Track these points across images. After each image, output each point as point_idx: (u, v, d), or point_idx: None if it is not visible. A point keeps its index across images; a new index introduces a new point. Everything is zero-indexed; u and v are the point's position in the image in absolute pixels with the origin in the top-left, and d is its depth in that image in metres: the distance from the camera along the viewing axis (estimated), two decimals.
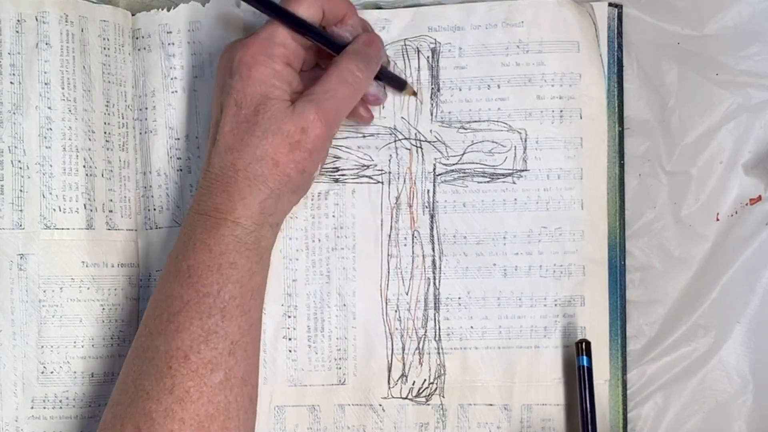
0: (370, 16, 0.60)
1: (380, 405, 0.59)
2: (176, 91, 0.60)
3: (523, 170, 0.60)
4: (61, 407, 0.57)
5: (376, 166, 0.60)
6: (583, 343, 0.56)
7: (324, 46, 0.54)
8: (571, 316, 0.59)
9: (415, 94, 0.60)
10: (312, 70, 0.57)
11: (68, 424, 0.57)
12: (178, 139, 0.60)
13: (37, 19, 0.57)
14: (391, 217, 0.60)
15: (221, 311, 0.50)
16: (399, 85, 0.59)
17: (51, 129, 0.57)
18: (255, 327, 0.52)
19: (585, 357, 0.56)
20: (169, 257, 0.52)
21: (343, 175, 0.60)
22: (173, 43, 0.60)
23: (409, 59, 0.60)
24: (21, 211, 0.57)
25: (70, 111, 0.58)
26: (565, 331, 0.59)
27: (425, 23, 0.60)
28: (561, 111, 0.60)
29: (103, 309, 0.58)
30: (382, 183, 0.60)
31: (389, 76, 0.58)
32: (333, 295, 0.59)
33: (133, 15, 0.61)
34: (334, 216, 0.60)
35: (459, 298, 0.59)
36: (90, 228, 0.58)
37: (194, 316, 0.49)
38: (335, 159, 0.60)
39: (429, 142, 0.60)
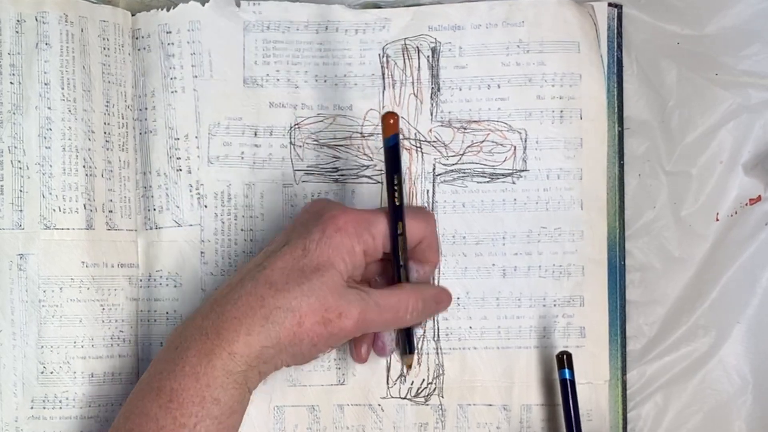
0: (370, 16, 0.60)
1: (379, 405, 0.59)
2: (176, 91, 0.60)
3: (522, 170, 0.60)
4: (60, 407, 0.57)
5: (375, 166, 0.60)
6: (564, 356, 0.56)
7: (395, 266, 0.53)
8: (571, 317, 0.59)
9: (410, 367, 0.59)
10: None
11: (68, 424, 0.57)
12: (178, 139, 0.60)
13: (36, 19, 0.57)
14: None
15: None
16: (409, 347, 0.58)
17: (51, 129, 0.57)
18: None
19: (567, 370, 0.56)
20: (156, 361, 0.51)
21: (342, 175, 0.60)
22: (173, 43, 0.60)
23: (409, 59, 0.60)
24: (21, 211, 0.57)
25: (69, 111, 0.58)
26: (565, 331, 0.59)
27: (425, 22, 0.60)
28: (561, 111, 0.60)
29: (103, 309, 0.58)
30: (382, 183, 0.60)
31: (410, 337, 0.57)
32: None
33: (132, 15, 0.61)
34: None
35: (458, 298, 0.59)
36: (90, 228, 0.58)
37: None
38: (335, 159, 0.60)
39: (428, 142, 0.60)
